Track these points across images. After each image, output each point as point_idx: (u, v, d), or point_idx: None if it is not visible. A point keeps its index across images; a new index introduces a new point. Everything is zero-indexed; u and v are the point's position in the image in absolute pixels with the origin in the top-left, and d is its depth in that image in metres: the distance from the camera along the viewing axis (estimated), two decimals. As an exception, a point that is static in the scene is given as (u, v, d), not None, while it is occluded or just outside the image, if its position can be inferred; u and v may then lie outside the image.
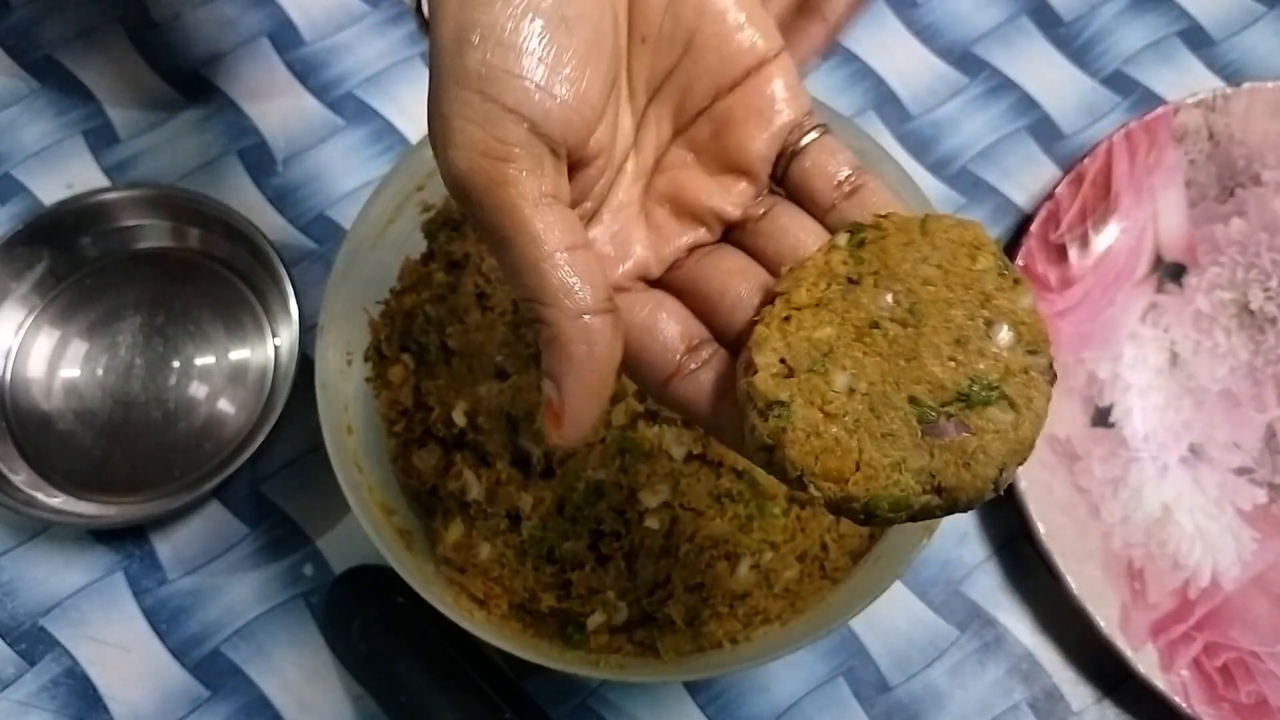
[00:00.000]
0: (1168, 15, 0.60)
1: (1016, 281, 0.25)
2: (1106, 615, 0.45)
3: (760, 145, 0.28)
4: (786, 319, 0.25)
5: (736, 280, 0.27)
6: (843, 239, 0.26)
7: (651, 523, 0.41)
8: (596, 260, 0.25)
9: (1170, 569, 0.47)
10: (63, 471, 0.47)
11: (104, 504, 0.46)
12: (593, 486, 0.42)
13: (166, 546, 0.47)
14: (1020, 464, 0.25)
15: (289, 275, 0.48)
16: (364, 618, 0.44)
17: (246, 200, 0.53)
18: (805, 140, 0.28)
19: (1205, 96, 0.53)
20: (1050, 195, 0.51)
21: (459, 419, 0.43)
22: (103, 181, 0.54)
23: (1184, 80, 0.58)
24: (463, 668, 0.42)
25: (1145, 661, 0.44)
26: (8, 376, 0.49)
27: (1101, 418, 0.50)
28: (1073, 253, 0.52)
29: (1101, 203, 0.52)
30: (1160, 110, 0.53)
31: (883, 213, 0.26)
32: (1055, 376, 0.25)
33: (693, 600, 0.41)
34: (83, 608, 0.46)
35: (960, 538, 0.49)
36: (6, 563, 0.47)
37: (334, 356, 0.43)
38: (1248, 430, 0.50)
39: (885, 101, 0.57)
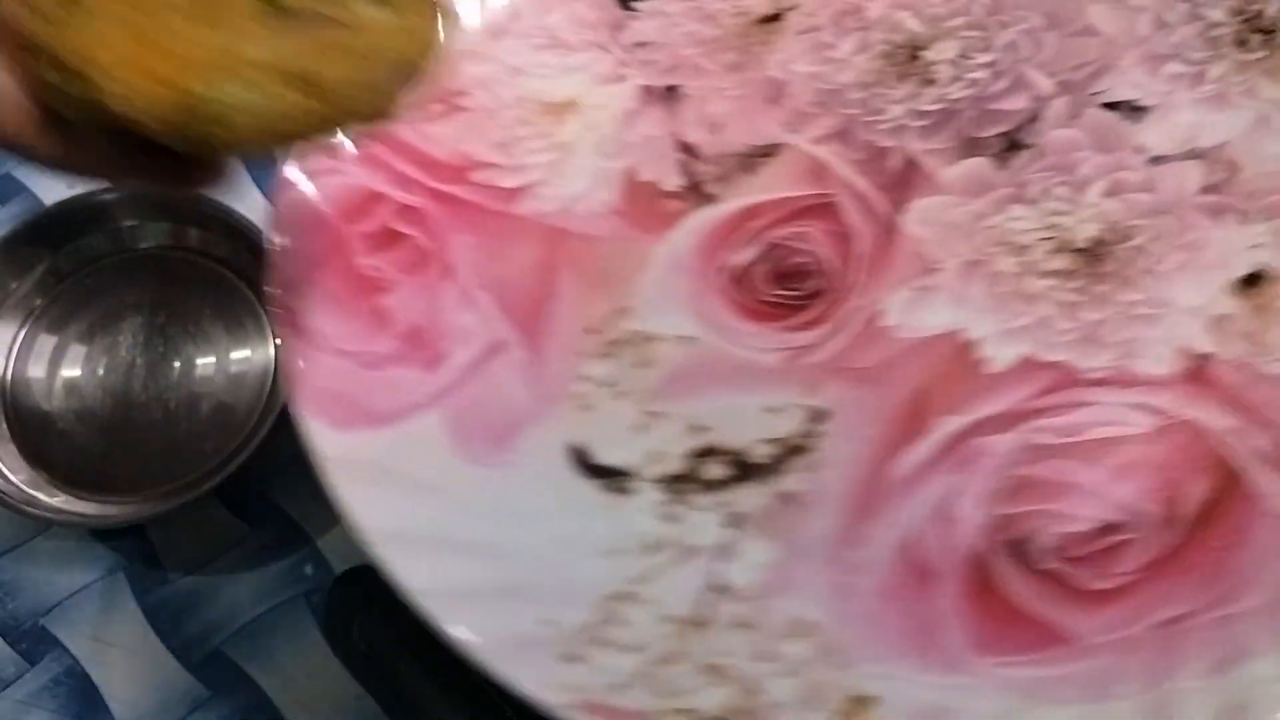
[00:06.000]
0: (1167, 16, 0.60)
1: None
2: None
3: None
4: None
5: None
6: None
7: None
8: None
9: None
10: (63, 471, 0.47)
11: (104, 504, 0.46)
12: (593, 486, 0.41)
13: (167, 546, 0.47)
14: (415, 76, 0.20)
15: (289, 275, 0.48)
16: (365, 618, 0.43)
17: (246, 200, 0.53)
18: None
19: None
20: (1050, 196, 0.51)
21: (459, 419, 0.43)
22: (102, 181, 0.54)
23: (1183, 81, 0.58)
24: (464, 668, 0.42)
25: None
26: (8, 376, 0.49)
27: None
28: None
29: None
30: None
31: None
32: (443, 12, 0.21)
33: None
34: (83, 607, 0.46)
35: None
36: (6, 563, 0.47)
37: (335, 356, 0.43)
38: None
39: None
